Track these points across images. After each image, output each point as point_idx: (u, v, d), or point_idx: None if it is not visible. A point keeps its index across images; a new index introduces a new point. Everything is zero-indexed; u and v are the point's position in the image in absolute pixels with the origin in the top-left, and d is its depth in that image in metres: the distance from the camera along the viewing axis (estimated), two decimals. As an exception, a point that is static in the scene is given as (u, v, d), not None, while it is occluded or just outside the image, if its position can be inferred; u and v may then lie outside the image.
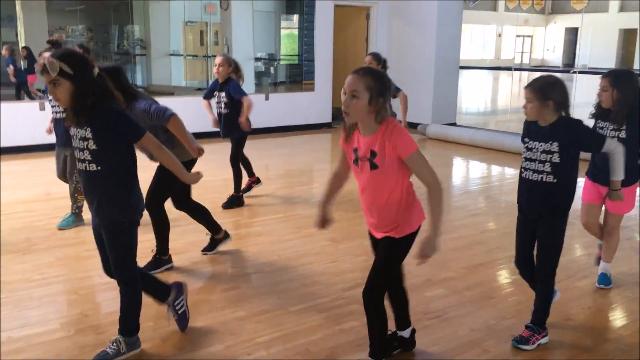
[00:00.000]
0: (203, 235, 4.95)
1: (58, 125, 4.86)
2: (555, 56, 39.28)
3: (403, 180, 2.63)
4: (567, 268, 4.30)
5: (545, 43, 40.70)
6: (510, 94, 19.64)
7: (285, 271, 4.22)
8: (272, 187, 6.74)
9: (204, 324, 3.41)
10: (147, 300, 3.69)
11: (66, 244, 4.67)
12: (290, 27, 13.67)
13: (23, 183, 6.62)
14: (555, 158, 2.97)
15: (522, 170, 3.12)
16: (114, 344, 2.99)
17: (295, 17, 12.63)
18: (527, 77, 26.55)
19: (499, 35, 37.68)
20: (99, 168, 2.76)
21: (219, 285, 4.04)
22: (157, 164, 3.92)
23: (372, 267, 2.74)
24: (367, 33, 11.43)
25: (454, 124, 11.02)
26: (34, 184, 6.64)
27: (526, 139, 3.09)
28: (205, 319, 3.47)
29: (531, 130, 3.08)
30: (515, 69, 21.57)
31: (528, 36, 41.08)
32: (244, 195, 6.01)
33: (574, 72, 12.99)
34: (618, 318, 3.70)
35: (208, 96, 5.82)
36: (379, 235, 2.76)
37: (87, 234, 4.84)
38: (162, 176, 4.00)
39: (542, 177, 3.02)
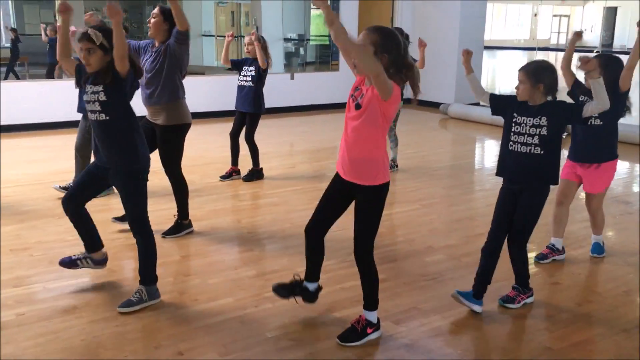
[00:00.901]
0: (223, 204, 5.33)
1: None
2: (593, 36, 38.44)
3: (373, 134, 2.83)
4: (565, 238, 4.49)
5: (583, 23, 39.83)
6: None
7: (296, 237, 4.52)
8: (293, 162, 7.06)
9: (218, 280, 3.76)
10: (166, 259, 4.07)
11: (96, 210, 5.00)
12: (320, 7, 13.85)
13: (59, 156, 7.06)
14: (544, 131, 3.19)
15: (511, 143, 3.31)
16: (137, 293, 3.36)
17: (326, -2, 12.80)
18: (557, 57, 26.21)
19: (535, 15, 37.05)
20: (107, 118, 3.24)
21: (234, 248, 4.39)
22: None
23: (355, 228, 2.99)
24: (392, 13, 11.59)
25: (477, 104, 11.12)
26: (70, 156, 7.04)
27: (515, 114, 3.30)
28: (219, 276, 3.81)
29: (520, 108, 3.28)
30: (539, 49, 21.35)
31: (565, 16, 40.26)
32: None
33: (597, 52, 12.89)
34: (605, 283, 3.92)
35: (234, 64, 6.04)
36: (346, 176, 2.95)
37: (115, 201, 5.22)
38: (167, 144, 4.37)
39: (530, 149, 3.22)
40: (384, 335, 3.12)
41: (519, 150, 3.27)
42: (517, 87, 3.27)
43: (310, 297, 3.30)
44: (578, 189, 4.19)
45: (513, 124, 3.30)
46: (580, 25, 39.46)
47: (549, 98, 3.25)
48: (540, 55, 25.38)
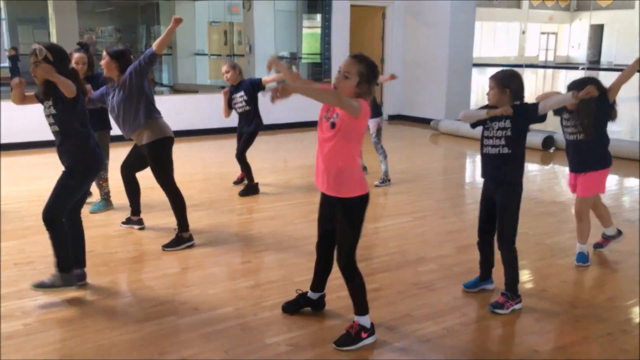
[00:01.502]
0: (221, 218, 5.46)
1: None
2: (580, 53, 39.00)
3: (348, 149, 3.05)
4: (551, 248, 4.70)
5: (571, 40, 40.46)
6: (534, 91, 19.79)
7: (293, 249, 4.67)
8: (288, 177, 7.20)
9: (217, 290, 3.88)
10: (166, 271, 4.20)
11: (98, 225, 5.18)
12: (312, 26, 14.11)
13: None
14: (509, 132, 3.50)
15: (483, 147, 3.63)
16: (52, 276, 3.66)
17: (319, 17, 13.05)
18: (552, 74, 26.66)
19: (523, 33, 37.58)
20: (58, 129, 3.69)
21: (233, 260, 4.52)
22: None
23: (337, 238, 3.19)
24: (383, 32, 11.83)
25: (467, 120, 11.36)
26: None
27: (487, 122, 3.59)
28: (219, 287, 3.94)
29: (493, 117, 3.57)
30: (527, 67, 21.76)
31: (553, 33, 40.86)
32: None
33: (583, 69, 13.20)
34: (590, 290, 4.08)
35: (230, 105, 6.26)
36: (327, 191, 3.18)
37: (116, 216, 5.37)
38: (155, 159, 4.57)
39: (499, 150, 3.55)
40: (379, 341, 3.25)
41: (490, 152, 3.59)
42: (488, 93, 3.59)
43: (317, 305, 3.58)
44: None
45: (485, 130, 3.61)
46: (568, 42, 40.06)
47: (517, 103, 3.52)
48: (527, 73, 25.72)
